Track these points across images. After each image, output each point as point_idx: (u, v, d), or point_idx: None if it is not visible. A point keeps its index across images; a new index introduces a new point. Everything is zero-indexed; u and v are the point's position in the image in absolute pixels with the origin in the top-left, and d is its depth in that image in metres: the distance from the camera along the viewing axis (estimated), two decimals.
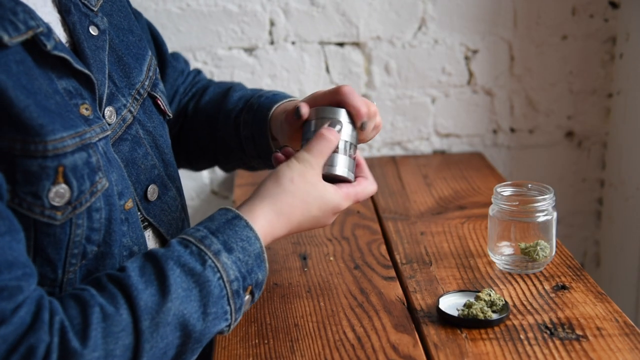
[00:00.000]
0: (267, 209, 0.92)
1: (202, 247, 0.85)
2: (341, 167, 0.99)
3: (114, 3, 1.04)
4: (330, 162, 0.98)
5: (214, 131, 1.22)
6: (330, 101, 1.01)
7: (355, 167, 1.02)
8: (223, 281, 0.84)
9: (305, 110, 1.01)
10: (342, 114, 1.00)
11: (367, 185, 1.02)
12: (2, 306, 0.72)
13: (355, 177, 1.02)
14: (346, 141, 0.99)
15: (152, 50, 1.19)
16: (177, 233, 1.05)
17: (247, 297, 0.88)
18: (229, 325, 0.86)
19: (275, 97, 1.16)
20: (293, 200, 0.93)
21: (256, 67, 1.74)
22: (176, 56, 1.31)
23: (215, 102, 1.23)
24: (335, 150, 0.98)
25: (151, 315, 0.79)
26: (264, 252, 0.89)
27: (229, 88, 1.25)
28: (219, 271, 0.84)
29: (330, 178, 0.98)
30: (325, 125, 0.98)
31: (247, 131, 1.16)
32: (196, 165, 1.32)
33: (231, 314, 0.86)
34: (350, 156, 1.00)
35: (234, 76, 1.73)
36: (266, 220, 0.91)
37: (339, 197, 0.97)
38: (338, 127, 0.98)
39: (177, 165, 1.24)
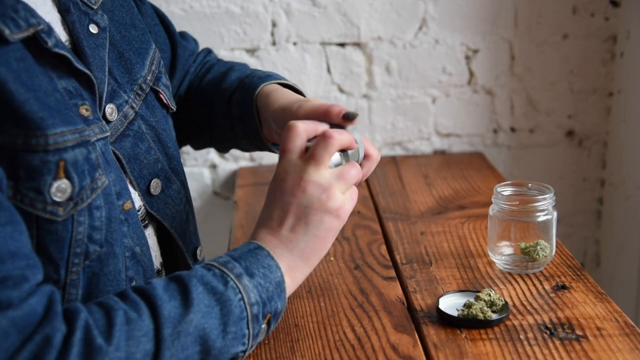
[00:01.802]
0: (261, 231, 0.94)
1: (225, 270, 0.87)
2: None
3: None
4: None
5: (210, 110, 1.22)
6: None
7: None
8: (244, 302, 0.85)
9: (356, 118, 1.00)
10: (361, 143, 1.01)
11: (350, 167, 0.96)
12: (8, 293, 0.73)
13: None
14: (348, 155, 0.99)
15: (160, 32, 1.19)
16: (182, 226, 1.07)
17: (264, 326, 0.88)
18: (245, 351, 0.87)
19: (268, 77, 1.16)
20: (266, 206, 0.95)
21: (258, 68, 1.74)
22: (185, 36, 1.31)
23: (214, 81, 1.24)
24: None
25: (173, 324, 0.80)
26: (284, 282, 0.90)
27: (229, 68, 1.25)
28: (240, 292, 0.85)
29: None
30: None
31: (238, 110, 1.16)
32: (195, 144, 1.32)
33: (248, 339, 0.86)
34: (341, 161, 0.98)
35: None
36: (260, 235, 0.94)
37: (299, 164, 0.93)
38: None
39: (180, 144, 1.25)
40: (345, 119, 0.99)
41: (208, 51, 1.35)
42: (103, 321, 0.78)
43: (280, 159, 0.95)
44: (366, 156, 1.03)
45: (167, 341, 0.79)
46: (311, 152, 0.94)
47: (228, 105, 1.18)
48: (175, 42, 1.24)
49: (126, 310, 0.79)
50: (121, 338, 0.77)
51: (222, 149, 1.31)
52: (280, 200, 0.93)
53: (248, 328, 0.86)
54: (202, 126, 1.25)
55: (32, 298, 0.74)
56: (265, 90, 1.13)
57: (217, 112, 1.21)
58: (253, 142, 1.18)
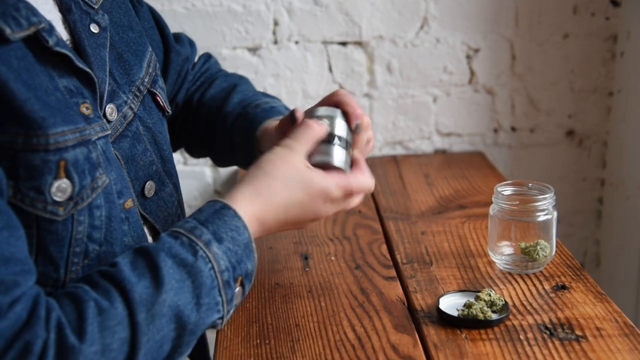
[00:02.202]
0: (247, 192, 0.91)
1: (193, 238, 0.85)
2: (337, 158, 0.98)
3: (114, 0, 1.04)
4: (326, 152, 0.97)
5: (212, 130, 1.23)
6: (327, 104, 1.03)
7: (352, 164, 1.01)
8: (214, 271, 0.84)
9: (299, 113, 1.02)
10: (336, 112, 1.00)
11: (362, 178, 0.99)
12: None
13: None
14: (340, 136, 0.99)
15: (155, 36, 1.19)
16: None
17: (238, 288, 0.87)
18: (222, 318, 0.86)
19: (271, 110, 1.17)
20: (273, 181, 0.92)
21: (260, 67, 1.74)
22: (181, 40, 1.29)
23: (217, 100, 1.24)
24: (331, 142, 0.98)
25: (146, 308, 0.79)
26: (252, 242, 0.89)
27: (233, 87, 1.26)
28: (210, 261, 0.84)
29: (324, 168, 0.97)
30: (314, 119, 0.99)
31: (240, 139, 1.18)
32: (194, 153, 1.34)
33: (223, 305, 0.85)
34: (346, 151, 0.99)
35: None
36: (247, 202, 0.90)
37: (328, 182, 0.95)
38: (325, 120, 0.99)
39: (175, 147, 1.26)
40: (292, 122, 1.02)
41: (207, 56, 1.35)
42: (74, 316, 0.76)
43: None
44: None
45: (142, 326, 0.78)
46: (357, 186, 0.98)
47: (230, 131, 1.20)
48: (169, 47, 1.23)
49: (97, 300, 0.78)
50: (94, 332, 0.76)
51: (221, 165, 1.32)
52: (307, 205, 0.94)
53: (220, 295, 0.85)
54: (205, 141, 1.26)
55: (18, 305, 0.74)
56: (268, 127, 1.14)
57: (219, 134, 1.22)
58: None
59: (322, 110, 1.01)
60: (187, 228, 0.86)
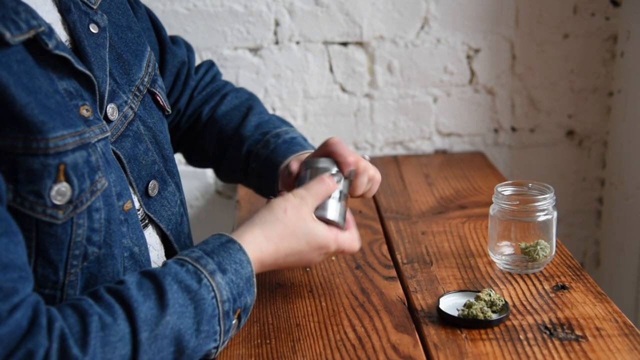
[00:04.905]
0: (257, 233, 0.95)
1: (198, 266, 0.87)
2: (332, 212, 1.02)
3: (112, 1, 1.04)
4: (322, 207, 1.02)
5: (224, 149, 1.24)
6: (322, 153, 1.07)
7: (345, 221, 1.06)
8: (216, 300, 0.86)
9: (294, 166, 1.08)
10: (332, 164, 1.05)
11: (352, 240, 1.05)
12: None
13: (346, 228, 1.05)
14: (340, 190, 1.04)
15: (151, 37, 1.19)
16: (176, 228, 1.07)
17: (235, 321, 0.90)
18: (217, 347, 0.88)
19: (292, 142, 1.19)
20: (283, 230, 0.97)
21: (261, 67, 1.75)
22: (177, 42, 1.28)
23: (232, 120, 1.25)
24: (328, 197, 1.02)
25: (150, 327, 0.81)
26: (253, 277, 0.92)
27: (248, 108, 1.27)
28: (213, 290, 0.86)
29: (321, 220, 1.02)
30: (327, 174, 1.03)
31: (257, 165, 1.19)
32: (194, 163, 1.35)
33: (220, 335, 0.87)
34: (341, 204, 1.04)
35: (239, 76, 1.74)
36: (255, 244, 0.94)
37: (329, 237, 1.00)
38: (337, 177, 1.03)
39: (175, 151, 1.26)
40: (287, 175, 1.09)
41: (210, 64, 1.35)
42: (78, 327, 0.78)
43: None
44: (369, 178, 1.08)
45: (144, 345, 0.80)
46: (348, 246, 1.04)
47: (247, 155, 1.21)
48: (165, 48, 1.22)
49: (101, 315, 0.79)
50: (96, 346, 0.77)
51: (223, 180, 1.34)
52: (305, 254, 0.99)
53: (219, 325, 0.87)
54: (211, 156, 1.27)
55: (18, 312, 0.74)
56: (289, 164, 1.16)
57: (232, 155, 1.23)
58: (264, 193, 1.22)
59: (320, 162, 1.05)
60: (193, 257, 0.89)
